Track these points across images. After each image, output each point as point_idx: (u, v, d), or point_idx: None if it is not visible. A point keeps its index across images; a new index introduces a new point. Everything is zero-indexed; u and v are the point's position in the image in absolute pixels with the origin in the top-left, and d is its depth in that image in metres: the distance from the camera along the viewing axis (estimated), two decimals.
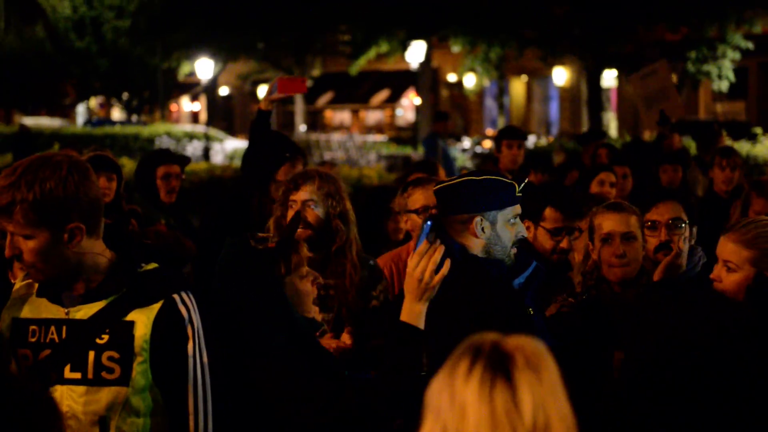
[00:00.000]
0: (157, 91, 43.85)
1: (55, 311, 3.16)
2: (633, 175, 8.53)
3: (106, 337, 3.11)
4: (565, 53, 30.58)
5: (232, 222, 5.09)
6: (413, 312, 3.52)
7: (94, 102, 54.23)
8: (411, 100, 48.83)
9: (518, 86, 50.84)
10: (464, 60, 32.11)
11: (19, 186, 2.99)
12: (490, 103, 50.05)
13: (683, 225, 4.85)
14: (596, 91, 29.51)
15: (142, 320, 3.12)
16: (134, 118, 46.63)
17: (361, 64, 34.31)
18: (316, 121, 54.43)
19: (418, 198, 5.40)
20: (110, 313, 3.12)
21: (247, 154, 5.79)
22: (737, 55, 26.15)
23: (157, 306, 3.13)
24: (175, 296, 3.16)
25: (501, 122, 43.30)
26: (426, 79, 36.60)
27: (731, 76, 26.34)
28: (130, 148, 31.77)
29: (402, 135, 45.80)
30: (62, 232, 3.04)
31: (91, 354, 3.11)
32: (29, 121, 38.95)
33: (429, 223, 3.55)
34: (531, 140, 35.35)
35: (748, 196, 6.35)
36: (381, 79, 49.60)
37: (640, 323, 3.88)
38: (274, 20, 34.78)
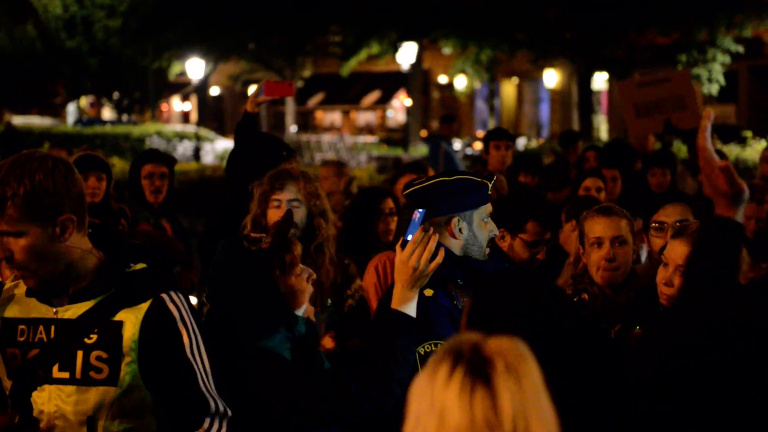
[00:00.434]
0: (148, 90, 43.81)
1: (44, 311, 3.16)
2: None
3: (94, 336, 3.11)
4: (556, 56, 30.64)
5: (235, 222, 5.10)
6: (405, 299, 3.54)
7: (84, 101, 54.14)
8: (402, 101, 48.84)
9: (509, 88, 50.89)
10: (455, 62, 32.15)
11: (8, 181, 2.98)
12: (480, 105, 50.10)
13: None
14: (587, 94, 29.57)
15: (131, 320, 3.11)
16: (125, 117, 46.56)
17: (352, 65, 34.35)
18: (307, 122, 54.43)
19: None
20: (98, 312, 3.12)
21: (233, 156, 5.79)
22: (727, 59, 26.21)
23: (145, 306, 3.13)
24: (164, 296, 3.15)
25: (491, 124, 43.40)
26: (417, 80, 36.66)
27: (721, 79, 26.40)
28: (120, 148, 31.77)
29: (393, 136, 45.81)
30: (54, 226, 3.03)
31: (80, 354, 3.10)
32: (19, 120, 38.93)
33: (422, 211, 3.55)
34: (521, 142, 35.42)
35: None
36: (372, 81, 49.61)
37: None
38: (266, 21, 34.81)
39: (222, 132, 47.53)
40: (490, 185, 3.87)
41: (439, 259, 3.55)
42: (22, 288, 3.22)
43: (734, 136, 21.30)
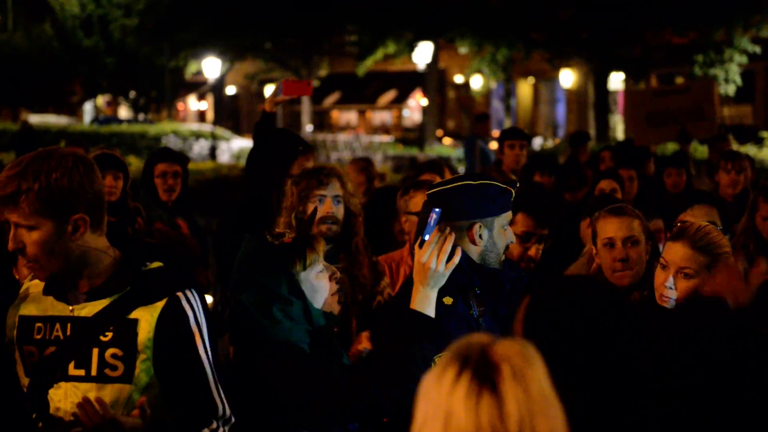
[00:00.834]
0: (164, 89, 43.90)
1: (60, 309, 3.18)
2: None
3: (109, 334, 3.13)
4: (572, 56, 30.58)
5: (253, 219, 5.08)
6: (424, 299, 3.53)
7: (101, 100, 54.30)
8: (418, 101, 48.81)
9: (525, 88, 50.80)
10: (471, 61, 32.12)
11: (25, 175, 3.01)
12: (496, 104, 49.99)
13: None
14: (603, 94, 29.51)
15: (146, 318, 3.13)
16: (141, 116, 46.68)
17: (368, 64, 34.32)
18: (322, 122, 54.43)
19: (419, 201, 5.39)
20: (114, 310, 3.14)
21: (252, 155, 5.78)
22: (744, 59, 26.13)
23: (160, 304, 3.14)
24: (179, 294, 3.17)
25: (507, 124, 43.27)
26: (433, 80, 36.65)
27: (738, 79, 26.32)
28: (136, 147, 31.84)
29: (408, 136, 45.79)
30: (66, 224, 3.05)
31: (95, 351, 3.12)
32: (36, 118, 39.07)
33: (438, 211, 3.54)
34: (537, 142, 35.37)
35: (754, 201, 6.31)
36: (388, 80, 49.59)
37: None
38: (282, 20, 34.83)
39: (238, 131, 47.60)
40: (514, 192, 3.85)
41: (456, 259, 3.54)
42: (39, 286, 3.24)
43: (751, 137, 21.24)
